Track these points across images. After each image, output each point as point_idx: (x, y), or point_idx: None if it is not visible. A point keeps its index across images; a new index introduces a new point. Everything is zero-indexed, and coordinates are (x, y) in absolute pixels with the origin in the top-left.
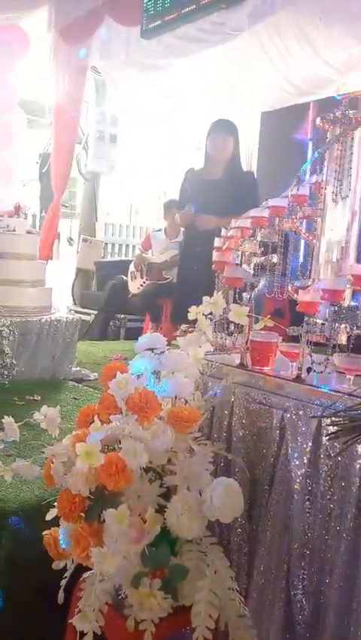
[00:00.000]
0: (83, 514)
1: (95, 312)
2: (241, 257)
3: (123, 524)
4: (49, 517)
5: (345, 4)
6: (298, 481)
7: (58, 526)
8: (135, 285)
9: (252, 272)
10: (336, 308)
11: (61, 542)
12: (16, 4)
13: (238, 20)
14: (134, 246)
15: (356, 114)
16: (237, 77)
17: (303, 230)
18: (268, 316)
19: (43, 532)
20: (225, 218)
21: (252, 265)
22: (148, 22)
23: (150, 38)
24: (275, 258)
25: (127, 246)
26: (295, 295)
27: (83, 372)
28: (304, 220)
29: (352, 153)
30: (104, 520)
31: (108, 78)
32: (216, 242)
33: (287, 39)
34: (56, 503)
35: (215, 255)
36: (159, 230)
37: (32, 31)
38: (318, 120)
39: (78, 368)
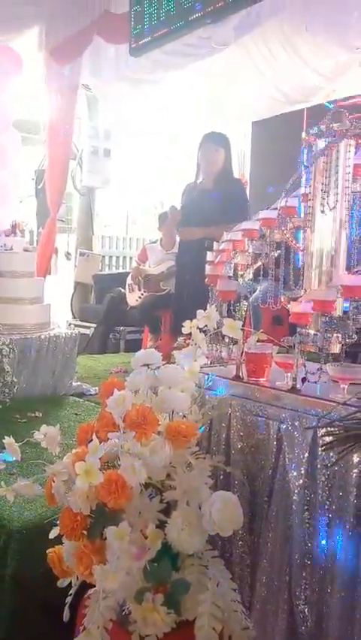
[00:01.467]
0: (85, 532)
1: (95, 325)
2: (234, 269)
3: (125, 541)
4: (52, 535)
5: (330, 12)
6: (296, 492)
7: (62, 544)
8: (133, 297)
9: (250, 277)
10: (327, 318)
11: (65, 560)
12: (7, 26)
13: (224, 34)
14: (131, 258)
15: (340, 127)
16: (227, 88)
17: (293, 241)
18: (268, 323)
19: (48, 551)
20: (209, 228)
21: (248, 272)
22: (136, 39)
23: (139, 55)
24: (270, 264)
25: (124, 258)
26: (288, 305)
27: (83, 386)
28: (295, 231)
29: (338, 165)
30: (105, 538)
31: (100, 94)
32: (209, 255)
33: (274, 49)
34: (58, 521)
35: (208, 269)
36: (155, 242)
37: (24, 51)
38: (303, 134)
39: (79, 383)
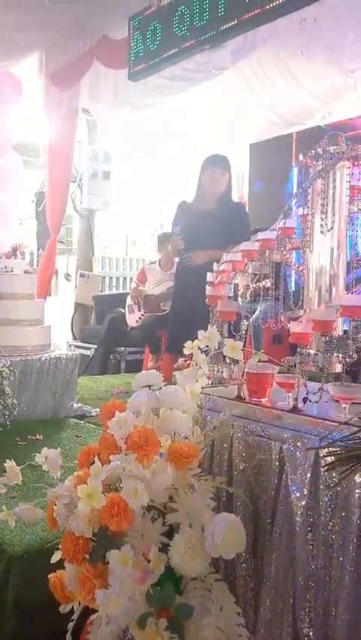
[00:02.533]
0: (87, 556)
1: (95, 346)
2: (235, 289)
3: (127, 565)
4: (54, 560)
5: (325, 35)
6: (299, 513)
7: (64, 568)
8: (134, 318)
9: (249, 299)
10: (327, 338)
11: (67, 585)
12: (8, 51)
13: (221, 59)
14: (131, 279)
15: (336, 150)
16: (224, 111)
17: (292, 261)
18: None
19: (49, 575)
20: (218, 250)
21: (248, 293)
22: (135, 65)
23: (137, 80)
24: (268, 283)
25: (124, 278)
26: (289, 325)
27: (84, 408)
28: (294, 251)
29: (335, 187)
30: (108, 562)
31: (99, 118)
32: (209, 276)
33: (270, 72)
34: (60, 546)
35: (208, 290)
36: (154, 262)
37: (24, 76)
38: (301, 156)
39: (79, 404)
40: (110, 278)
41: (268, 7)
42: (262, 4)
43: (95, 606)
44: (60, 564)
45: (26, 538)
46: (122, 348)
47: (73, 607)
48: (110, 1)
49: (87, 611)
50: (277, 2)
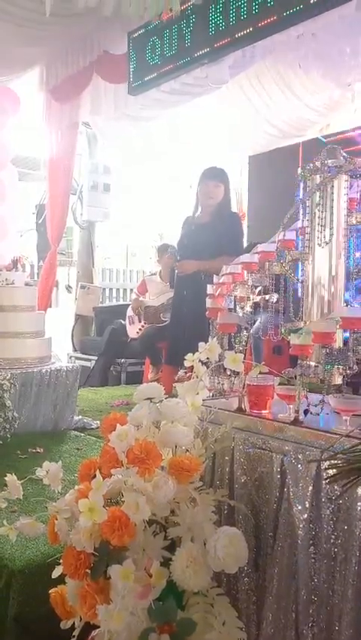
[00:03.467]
0: (88, 571)
1: (96, 357)
2: (235, 302)
3: (129, 580)
4: (55, 575)
5: (322, 49)
6: (301, 526)
7: (65, 583)
8: (134, 330)
9: (249, 310)
10: (328, 350)
11: (68, 600)
12: (9, 66)
13: (220, 73)
14: (131, 290)
15: (334, 163)
16: (223, 124)
17: (292, 274)
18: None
19: (50, 591)
20: (206, 261)
21: (249, 304)
22: (134, 79)
23: (137, 94)
24: (274, 298)
25: (125, 290)
26: (289, 337)
27: (85, 420)
28: (293, 263)
29: (333, 200)
30: (109, 577)
31: (99, 131)
32: (209, 289)
33: (268, 86)
34: (61, 560)
35: (208, 302)
36: (154, 274)
37: (24, 89)
38: (299, 170)
39: (80, 417)
40: (111, 289)
41: (261, 24)
42: (258, 20)
43: (96, 622)
44: (61, 578)
45: (27, 552)
46: (123, 360)
47: (74, 622)
48: (111, 15)
49: (89, 627)
50: (271, 20)
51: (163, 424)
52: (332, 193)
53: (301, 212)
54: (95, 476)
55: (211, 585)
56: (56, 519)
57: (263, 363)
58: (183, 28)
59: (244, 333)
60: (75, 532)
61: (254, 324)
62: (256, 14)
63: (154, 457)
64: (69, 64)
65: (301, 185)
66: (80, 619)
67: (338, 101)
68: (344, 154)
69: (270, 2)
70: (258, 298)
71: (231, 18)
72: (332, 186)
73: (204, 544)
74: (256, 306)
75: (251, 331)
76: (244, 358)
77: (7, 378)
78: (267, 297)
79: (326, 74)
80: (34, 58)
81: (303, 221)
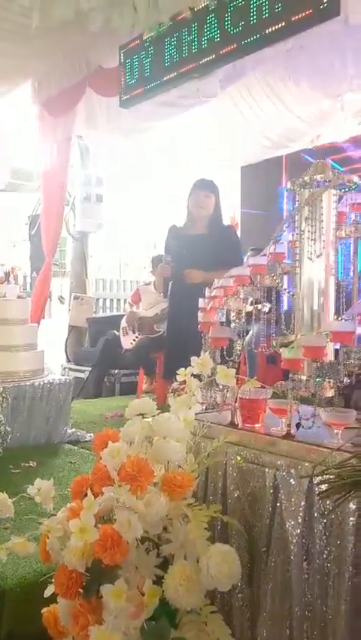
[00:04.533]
0: (80, 590)
1: (89, 368)
2: (227, 315)
3: (121, 599)
4: (47, 594)
5: (312, 61)
6: (294, 541)
7: (57, 602)
8: (128, 340)
9: (243, 322)
10: (318, 364)
11: (60, 620)
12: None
13: (211, 86)
14: (125, 300)
15: (323, 178)
16: (215, 135)
17: (283, 286)
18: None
19: (43, 610)
20: (211, 272)
21: (242, 315)
22: (126, 93)
23: (129, 107)
24: (267, 307)
25: (118, 300)
26: (280, 350)
27: (78, 433)
28: (284, 276)
29: (322, 214)
30: (102, 596)
31: (92, 143)
32: (201, 302)
33: (259, 97)
34: (53, 580)
35: (200, 316)
36: (148, 284)
37: (17, 103)
38: (289, 184)
39: (73, 429)
40: (104, 300)
41: (246, 41)
42: (246, 35)
43: None
44: (54, 597)
45: (19, 570)
46: (117, 371)
47: None
48: (102, 30)
49: None
50: (258, 35)
51: (156, 439)
52: (322, 207)
53: (290, 225)
54: (87, 494)
55: (204, 603)
56: (48, 537)
57: (257, 373)
58: (174, 42)
59: (238, 343)
60: (67, 552)
61: (247, 333)
62: (240, 31)
63: (146, 473)
64: (62, 77)
65: (286, 197)
66: (73, 639)
67: (327, 112)
68: (333, 167)
69: (253, 20)
70: (250, 308)
71: (221, 32)
72: (321, 200)
73: (198, 561)
74: (248, 316)
75: (244, 343)
76: (238, 368)
77: (0, 392)
78: (259, 306)
79: (316, 86)
80: (26, 72)
81: (293, 234)
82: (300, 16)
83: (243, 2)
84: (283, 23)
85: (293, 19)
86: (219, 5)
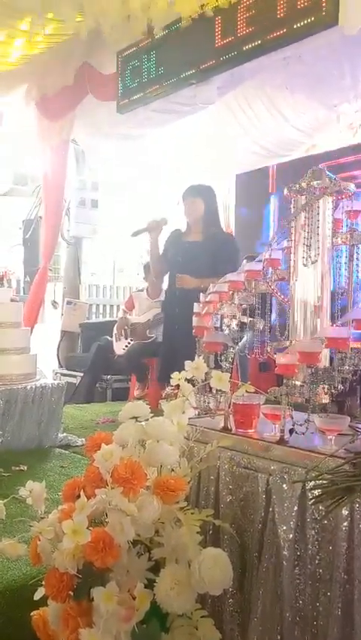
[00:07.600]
0: (71, 593)
1: (81, 374)
2: (221, 320)
3: (112, 602)
4: (37, 597)
5: (309, 70)
6: (286, 546)
7: (47, 605)
8: (120, 346)
9: (235, 328)
10: (313, 370)
11: (50, 623)
12: None
13: (208, 93)
14: (118, 306)
15: (320, 185)
16: (211, 143)
17: (278, 292)
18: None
19: (32, 613)
20: (205, 279)
21: (235, 322)
22: (123, 98)
23: (126, 112)
24: (260, 325)
25: (111, 306)
26: (275, 356)
27: (69, 437)
28: (279, 282)
29: (318, 220)
30: (92, 599)
31: (87, 148)
32: (195, 307)
33: (256, 106)
34: (44, 582)
35: (194, 321)
36: (141, 290)
37: (13, 107)
38: (285, 190)
39: (65, 434)
40: (97, 305)
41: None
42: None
43: None
44: (44, 601)
45: (9, 573)
46: (109, 376)
47: None
48: (100, 35)
49: None
50: (256, 43)
51: (149, 442)
52: (318, 214)
53: (285, 231)
54: (79, 496)
55: (196, 607)
56: (39, 540)
57: (249, 380)
58: (171, 49)
59: (231, 350)
60: (58, 554)
61: (240, 340)
62: (242, 37)
63: (139, 476)
64: (60, 82)
65: (272, 204)
66: None
67: (323, 121)
68: (330, 174)
69: (252, 27)
70: (244, 318)
71: (219, 39)
72: (318, 207)
73: (189, 565)
74: (242, 324)
75: (237, 349)
76: (231, 376)
77: None
78: (252, 319)
79: (312, 96)
80: (23, 77)
81: (288, 241)
82: (301, 24)
83: (244, 9)
84: (285, 30)
85: (295, 26)
86: (217, 12)
